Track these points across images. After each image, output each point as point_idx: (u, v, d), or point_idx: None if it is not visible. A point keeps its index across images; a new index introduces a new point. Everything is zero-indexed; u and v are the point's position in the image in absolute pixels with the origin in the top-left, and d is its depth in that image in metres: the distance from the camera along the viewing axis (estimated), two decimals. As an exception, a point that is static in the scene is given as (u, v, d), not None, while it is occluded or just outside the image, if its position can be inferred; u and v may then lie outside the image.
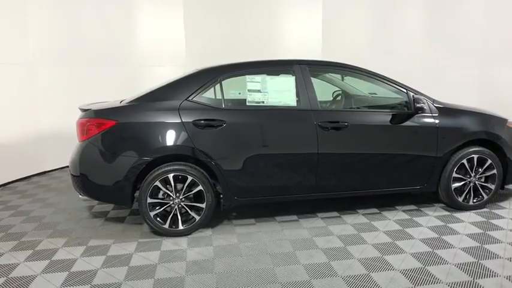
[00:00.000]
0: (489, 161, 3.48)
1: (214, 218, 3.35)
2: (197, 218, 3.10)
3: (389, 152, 3.32)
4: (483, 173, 3.52)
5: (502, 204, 3.70)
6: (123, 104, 3.15)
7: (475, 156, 3.45)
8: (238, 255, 2.76)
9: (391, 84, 3.44)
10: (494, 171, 3.51)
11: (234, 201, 3.20)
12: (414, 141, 3.35)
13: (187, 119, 3.02)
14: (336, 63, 3.47)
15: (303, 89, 3.24)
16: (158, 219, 3.06)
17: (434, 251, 2.76)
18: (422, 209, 3.62)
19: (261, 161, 3.13)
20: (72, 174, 3.16)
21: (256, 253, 2.79)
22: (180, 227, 3.09)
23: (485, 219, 3.33)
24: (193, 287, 2.36)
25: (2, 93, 4.72)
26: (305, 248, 2.84)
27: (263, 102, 3.20)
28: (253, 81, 3.24)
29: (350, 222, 3.32)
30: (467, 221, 3.30)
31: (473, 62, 6.34)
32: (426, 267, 2.53)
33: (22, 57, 4.98)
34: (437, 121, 3.38)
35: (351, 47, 6.54)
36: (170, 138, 3.00)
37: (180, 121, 3.01)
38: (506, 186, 3.63)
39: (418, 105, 3.25)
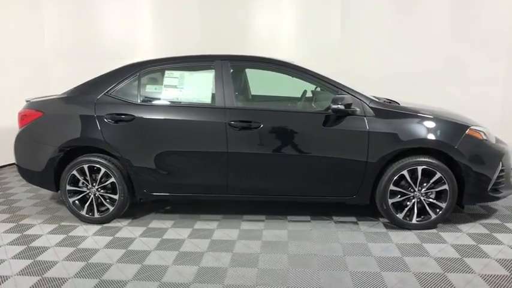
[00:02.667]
0: (438, 174, 2.94)
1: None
2: (111, 208, 3.23)
3: (309, 157, 3.02)
4: (432, 187, 2.99)
5: (463, 226, 3.10)
6: (54, 96, 3.40)
7: (419, 168, 2.95)
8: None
9: (321, 82, 3.11)
10: (445, 186, 2.95)
11: (146, 195, 3.24)
12: (339, 146, 3.00)
13: (101, 112, 3.14)
14: (262, 58, 3.25)
15: (220, 85, 3.12)
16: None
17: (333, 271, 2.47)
18: (360, 222, 3.23)
19: (171, 157, 3.12)
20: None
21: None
22: (96, 215, 3.25)
23: (418, 242, 2.84)
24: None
25: (20, 86, 5.41)
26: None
27: (178, 98, 3.17)
28: (171, 77, 3.22)
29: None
30: (395, 242, 2.86)
31: (499, 55, 5.31)
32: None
33: (38, 52, 5.65)
34: (369, 124, 2.96)
35: (370, 41, 6.02)
36: (83, 130, 3.16)
37: (94, 115, 3.15)
38: (481, 204, 3.05)
39: (333, 106, 2.88)
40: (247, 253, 2.73)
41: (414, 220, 3.03)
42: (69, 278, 2.42)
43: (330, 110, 2.93)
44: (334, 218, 3.30)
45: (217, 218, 3.35)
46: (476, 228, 3.08)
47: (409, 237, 2.93)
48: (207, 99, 3.14)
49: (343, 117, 2.98)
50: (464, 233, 2.99)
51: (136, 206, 3.55)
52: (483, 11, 5.18)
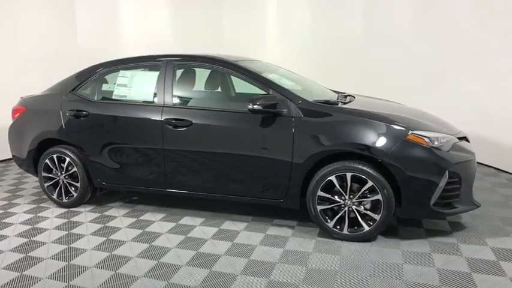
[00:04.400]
0: (370, 183, 2.67)
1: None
2: (75, 194, 3.61)
3: (237, 156, 2.99)
4: (364, 196, 2.73)
5: (401, 240, 2.76)
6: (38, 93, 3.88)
7: (348, 174, 2.71)
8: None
9: (253, 80, 3.04)
10: (378, 196, 2.67)
11: (100, 185, 3.54)
12: (265, 146, 2.90)
13: (65, 109, 3.51)
14: (205, 57, 3.28)
15: (161, 84, 3.25)
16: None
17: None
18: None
19: (117, 151, 3.35)
20: None
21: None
22: (64, 199, 3.66)
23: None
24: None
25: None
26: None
27: (125, 96, 3.38)
28: (124, 76, 3.44)
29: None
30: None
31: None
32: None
33: (71, 52, 6.41)
34: (295, 125, 2.81)
35: (391, 33, 5.57)
36: (51, 124, 3.57)
37: (59, 110, 3.53)
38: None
39: (249, 106, 2.79)
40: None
41: (345, 230, 2.80)
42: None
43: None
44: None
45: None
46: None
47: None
48: (149, 97, 3.29)
49: (272, 117, 2.88)
50: None
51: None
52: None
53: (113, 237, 3.02)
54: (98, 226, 3.24)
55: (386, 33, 5.66)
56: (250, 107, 2.79)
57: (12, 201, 3.92)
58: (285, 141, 2.83)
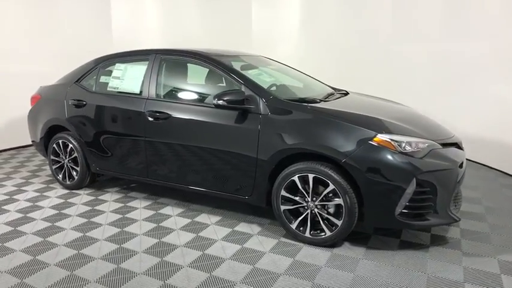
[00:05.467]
0: (331, 186, 2.54)
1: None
2: (76, 178, 3.90)
3: (206, 149, 3.02)
4: (328, 200, 2.60)
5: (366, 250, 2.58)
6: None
7: (310, 176, 2.60)
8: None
9: (228, 76, 3.03)
10: (340, 201, 2.53)
11: (95, 170, 3.77)
12: (232, 142, 2.90)
13: (68, 98, 3.80)
14: (185, 51, 3.34)
15: (148, 77, 3.37)
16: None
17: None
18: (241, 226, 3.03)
19: (108, 140, 3.55)
20: None
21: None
22: (68, 182, 3.97)
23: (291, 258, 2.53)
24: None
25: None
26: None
27: (117, 88, 3.56)
28: (118, 69, 3.63)
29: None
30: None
31: None
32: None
33: (106, 47, 6.85)
34: (262, 122, 2.76)
35: (420, 29, 5.21)
36: (57, 112, 3.87)
37: (64, 100, 3.82)
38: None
39: (214, 100, 2.79)
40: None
41: (307, 233, 2.70)
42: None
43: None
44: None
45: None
46: None
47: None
48: (137, 89, 3.43)
49: (242, 113, 2.85)
50: None
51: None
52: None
53: (127, 229, 3.03)
54: (117, 216, 3.29)
55: (417, 29, 5.28)
56: (215, 102, 2.79)
57: (29, 180, 4.34)
58: (251, 138, 2.80)
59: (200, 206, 3.47)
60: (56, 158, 4.02)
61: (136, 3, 7.02)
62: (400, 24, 5.45)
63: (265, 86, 3.02)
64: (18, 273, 2.42)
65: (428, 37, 5.14)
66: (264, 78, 3.17)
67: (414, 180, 2.39)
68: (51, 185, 4.16)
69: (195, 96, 3.24)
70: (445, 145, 2.69)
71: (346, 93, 3.58)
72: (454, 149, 2.73)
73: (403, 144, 2.46)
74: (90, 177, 3.92)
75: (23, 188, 4.06)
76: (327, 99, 3.08)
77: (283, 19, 6.66)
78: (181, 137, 3.12)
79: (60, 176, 4.00)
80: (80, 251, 2.69)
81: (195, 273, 2.38)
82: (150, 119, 3.23)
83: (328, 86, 3.86)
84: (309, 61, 6.13)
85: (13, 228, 3.08)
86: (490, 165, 4.61)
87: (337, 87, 3.84)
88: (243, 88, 2.91)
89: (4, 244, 2.82)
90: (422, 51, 5.24)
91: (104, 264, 2.51)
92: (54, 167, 4.05)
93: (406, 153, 2.43)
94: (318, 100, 2.97)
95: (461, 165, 2.66)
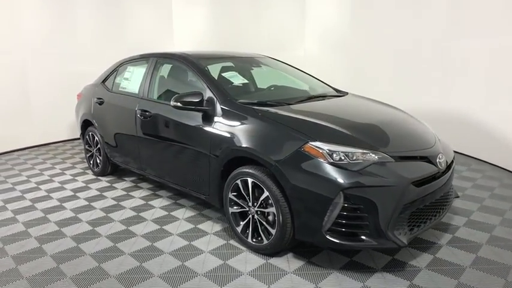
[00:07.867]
0: (266, 193, 2.46)
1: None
2: (100, 166, 4.47)
3: (175, 147, 3.20)
4: (264, 206, 2.53)
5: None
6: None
7: (250, 180, 2.56)
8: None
9: (199, 78, 3.13)
10: (273, 209, 2.43)
11: (111, 161, 4.26)
12: (189, 142, 3.04)
13: (94, 96, 4.37)
14: (172, 54, 3.55)
15: (144, 79, 3.68)
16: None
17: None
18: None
19: (118, 135, 3.99)
20: None
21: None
22: (95, 169, 4.57)
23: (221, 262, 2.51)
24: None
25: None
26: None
27: (125, 88, 3.95)
28: (128, 71, 4.03)
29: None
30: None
31: None
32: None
33: (168, 47, 7.52)
34: (214, 124, 2.82)
35: (479, 24, 4.56)
36: (86, 109, 4.48)
37: (92, 98, 4.41)
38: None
39: (171, 102, 2.90)
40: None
41: (250, 239, 2.66)
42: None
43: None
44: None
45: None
46: None
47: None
48: (136, 89, 3.77)
49: (204, 114, 2.94)
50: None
51: None
52: None
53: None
54: (140, 202, 3.63)
55: (474, 24, 4.57)
56: (172, 103, 2.92)
57: (74, 166, 5.12)
58: (205, 139, 2.87)
59: (200, 206, 3.65)
60: (89, 148, 4.66)
61: (194, 5, 7.51)
62: (457, 21, 4.77)
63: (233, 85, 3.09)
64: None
65: (487, 32, 4.40)
66: (235, 80, 3.21)
67: (341, 194, 2.16)
68: (87, 171, 4.83)
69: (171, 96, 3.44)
70: (405, 158, 2.36)
71: (344, 95, 3.51)
72: (413, 163, 2.37)
73: (336, 155, 2.24)
74: (110, 166, 4.45)
75: (65, 172, 4.80)
76: (303, 102, 3.00)
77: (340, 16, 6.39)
78: (157, 133, 3.36)
79: (92, 162, 4.63)
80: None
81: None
82: (140, 117, 3.54)
83: (330, 86, 3.75)
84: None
85: (32, 204, 3.71)
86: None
87: (338, 89, 3.70)
88: (207, 90, 2.97)
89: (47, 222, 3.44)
90: (479, 47, 4.53)
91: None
92: (87, 155, 4.70)
93: (337, 165, 2.22)
94: (285, 104, 2.88)
95: (427, 182, 2.31)
